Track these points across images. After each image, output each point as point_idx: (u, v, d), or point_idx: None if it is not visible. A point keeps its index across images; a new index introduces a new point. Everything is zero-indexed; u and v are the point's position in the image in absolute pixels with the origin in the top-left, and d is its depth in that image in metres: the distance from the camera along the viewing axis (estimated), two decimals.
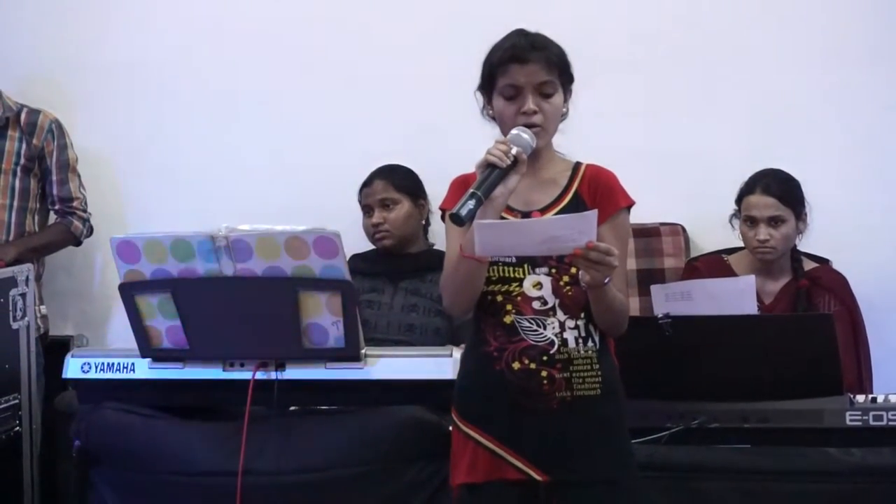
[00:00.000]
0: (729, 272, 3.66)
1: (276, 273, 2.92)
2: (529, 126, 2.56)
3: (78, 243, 4.12)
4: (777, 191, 3.57)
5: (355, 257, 3.77)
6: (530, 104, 2.57)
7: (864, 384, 3.55)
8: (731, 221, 3.70)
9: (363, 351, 3.00)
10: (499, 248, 2.50)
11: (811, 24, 3.96)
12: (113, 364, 3.14)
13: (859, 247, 3.85)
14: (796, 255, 3.66)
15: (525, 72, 2.57)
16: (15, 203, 3.98)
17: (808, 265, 3.68)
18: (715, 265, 3.71)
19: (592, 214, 2.43)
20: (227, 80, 4.22)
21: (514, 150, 2.50)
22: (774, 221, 3.56)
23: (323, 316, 2.94)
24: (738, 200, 3.65)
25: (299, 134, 4.19)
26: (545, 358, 2.55)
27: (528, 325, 2.56)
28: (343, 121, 4.16)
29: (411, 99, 4.11)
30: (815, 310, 3.56)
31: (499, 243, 2.48)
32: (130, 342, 3.09)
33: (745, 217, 3.62)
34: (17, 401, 3.42)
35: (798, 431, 2.93)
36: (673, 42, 4.00)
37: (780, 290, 3.63)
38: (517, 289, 2.57)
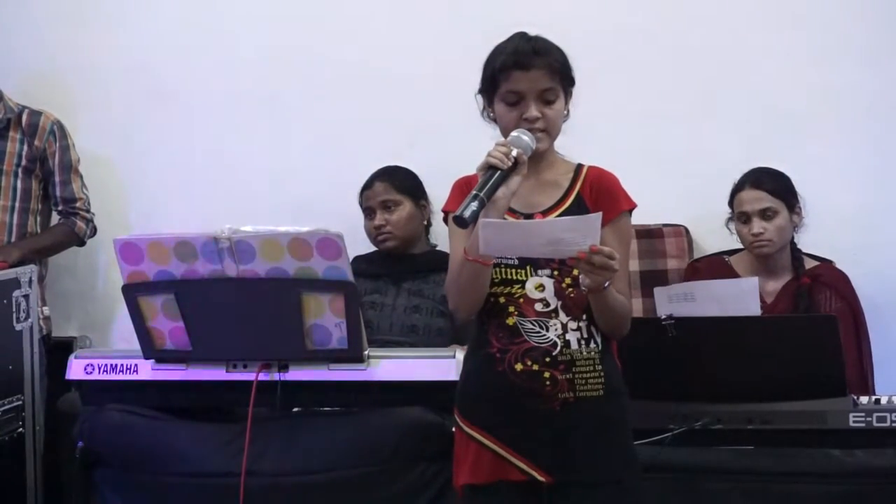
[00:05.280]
0: (730, 273, 3.67)
1: (279, 274, 2.93)
2: (532, 132, 2.56)
3: (81, 244, 4.12)
4: (766, 184, 3.60)
5: (358, 259, 3.77)
6: (533, 111, 2.57)
7: (868, 380, 3.56)
8: (727, 225, 3.71)
9: (366, 352, 3.00)
10: (502, 247, 2.51)
11: (811, 24, 3.96)
12: (116, 365, 3.14)
13: (861, 247, 3.85)
14: (797, 254, 3.67)
15: (528, 78, 2.57)
16: (17, 204, 3.98)
17: (810, 264, 3.69)
18: (716, 266, 3.72)
19: (596, 217, 2.43)
20: (228, 81, 4.22)
21: (514, 152, 2.50)
22: (767, 214, 3.58)
23: (326, 317, 2.95)
24: (731, 201, 3.67)
25: (301, 135, 4.19)
26: (548, 359, 2.55)
27: (530, 326, 2.56)
28: (344, 122, 4.16)
29: (412, 100, 4.11)
30: (816, 307, 3.57)
31: (503, 243, 2.49)
32: (134, 343, 3.09)
33: (738, 215, 3.64)
34: (20, 402, 3.42)
35: (801, 433, 2.92)
36: (675, 43, 4.00)
37: (781, 288, 3.64)
38: (519, 290, 2.57)
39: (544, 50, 2.60)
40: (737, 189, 3.65)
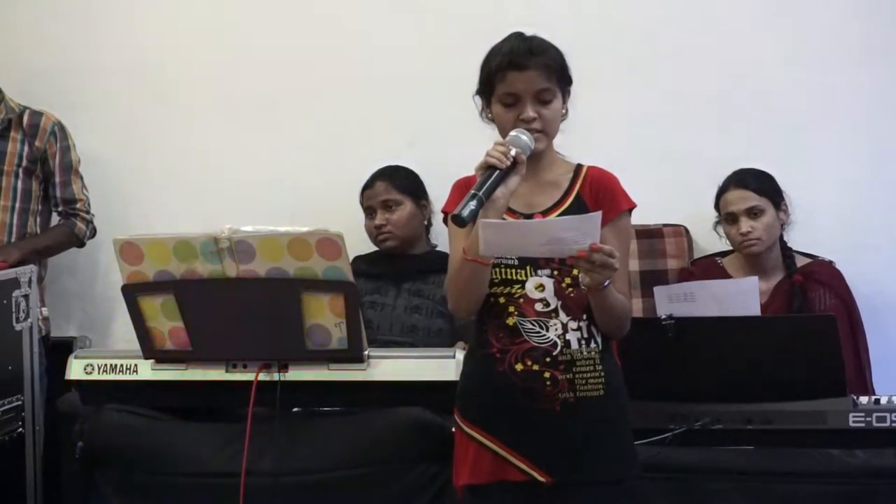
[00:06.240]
0: (723, 275, 3.67)
1: (279, 274, 2.92)
2: (529, 132, 2.56)
3: (81, 245, 4.12)
4: (751, 183, 3.61)
5: (358, 259, 3.77)
6: (529, 112, 2.57)
7: (865, 377, 3.56)
8: (715, 229, 3.72)
9: (366, 352, 3.00)
10: (502, 247, 2.51)
11: (811, 23, 3.96)
12: (116, 365, 3.14)
13: (860, 247, 3.85)
14: (787, 252, 3.68)
15: (523, 79, 2.57)
16: (17, 205, 3.98)
17: (801, 261, 3.69)
18: (709, 269, 3.73)
19: (596, 216, 2.43)
20: (229, 81, 4.22)
21: (513, 152, 2.50)
22: (753, 212, 3.59)
23: (326, 317, 2.95)
24: (717, 204, 3.68)
25: (301, 135, 4.19)
26: (548, 359, 2.55)
27: (530, 326, 2.56)
28: (344, 122, 4.16)
29: (412, 100, 4.11)
30: (809, 305, 3.58)
31: (502, 243, 2.49)
32: (133, 344, 3.09)
33: (725, 216, 3.65)
34: (19, 402, 3.42)
35: (801, 433, 2.92)
36: (675, 43, 4.00)
37: (773, 287, 3.64)
38: (519, 290, 2.57)
39: (540, 50, 2.60)
40: (722, 191, 3.66)
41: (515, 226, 2.53)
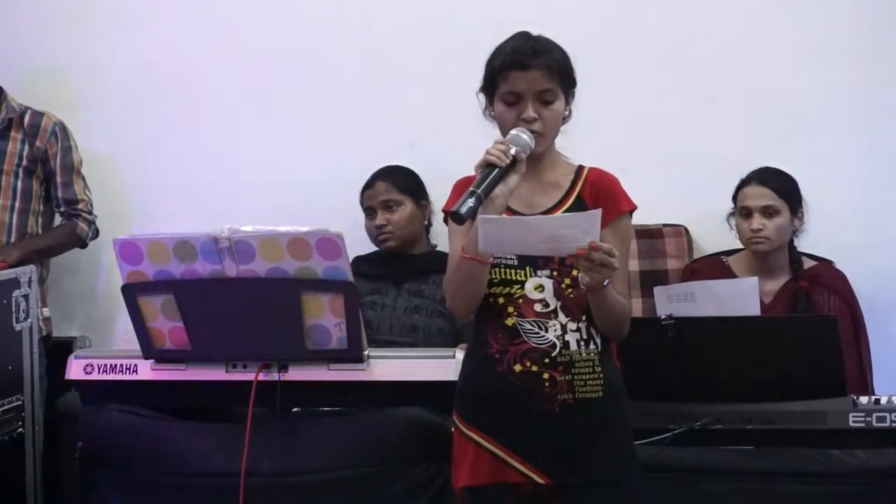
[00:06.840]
0: (728, 274, 3.67)
1: (279, 274, 2.93)
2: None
3: (83, 245, 4.12)
4: (772, 183, 3.61)
5: (358, 259, 3.77)
6: (530, 112, 2.57)
7: (866, 380, 3.55)
8: (728, 220, 3.72)
9: (366, 352, 3.00)
10: (502, 245, 2.51)
11: (811, 24, 3.96)
12: (116, 365, 3.14)
13: (861, 247, 3.85)
14: (795, 256, 3.67)
15: (526, 78, 2.57)
16: (17, 205, 3.98)
17: (808, 264, 3.69)
18: (714, 267, 3.72)
19: (596, 213, 2.43)
20: (229, 81, 4.22)
21: (512, 150, 2.50)
22: (768, 212, 3.59)
23: (325, 317, 2.95)
24: (735, 197, 3.67)
25: (302, 135, 4.19)
26: (547, 360, 2.54)
27: (529, 327, 2.56)
28: (344, 122, 4.16)
29: (412, 99, 4.11)
30: (815, 308, 3.57)
31: (502, 240, 2.48)
32: (135, 344, 3.09)
33: (740, 209, 3.64)
34: (19, 402, 3.42)
35: (801, 433, 2.93)
36: (675, 43, 4.00)
37: (779, 289, 3.64)
38: (519, 291, 2.57)
39: (543, 50, 2.59)
40: (742, 184, 3.66)
41: (515, 222, 2.52)
